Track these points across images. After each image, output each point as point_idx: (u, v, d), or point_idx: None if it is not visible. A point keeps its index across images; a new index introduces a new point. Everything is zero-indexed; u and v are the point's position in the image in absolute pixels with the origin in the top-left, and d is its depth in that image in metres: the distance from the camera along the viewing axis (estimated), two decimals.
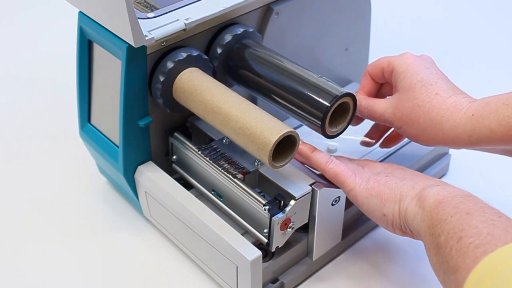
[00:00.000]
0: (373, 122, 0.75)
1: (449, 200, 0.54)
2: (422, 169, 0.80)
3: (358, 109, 0.69)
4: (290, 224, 0.64)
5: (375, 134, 0.76)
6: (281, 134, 0.58)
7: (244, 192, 0.64)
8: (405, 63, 0.67)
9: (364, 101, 0.69)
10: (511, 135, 0.59)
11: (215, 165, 0.67)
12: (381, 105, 0.68)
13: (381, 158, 0.77)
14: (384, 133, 0.75)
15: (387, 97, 0.69)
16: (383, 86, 0.72)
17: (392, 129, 0.74)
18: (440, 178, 0.82)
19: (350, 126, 0.66)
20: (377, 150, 0.78)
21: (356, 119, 0.73)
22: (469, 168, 0.84)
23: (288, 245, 0.67)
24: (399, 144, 0.79)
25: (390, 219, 0.60)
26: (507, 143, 0.60)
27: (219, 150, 0.68)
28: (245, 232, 0.67)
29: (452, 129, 0.62)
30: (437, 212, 0.54)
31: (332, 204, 0.67)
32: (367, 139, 0.76)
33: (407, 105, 0.65)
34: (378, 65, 0.70)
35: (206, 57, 0.68)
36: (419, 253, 0.71)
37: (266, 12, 0.74)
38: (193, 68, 0.67)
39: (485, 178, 0.83)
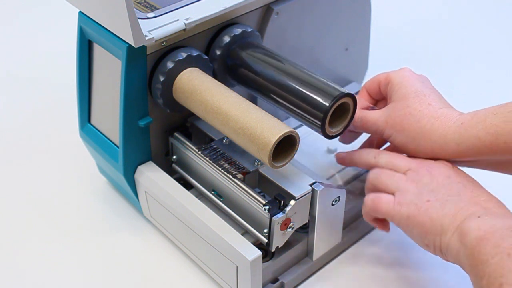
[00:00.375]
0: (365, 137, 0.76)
1: (490, 237, 0.53)
2: None
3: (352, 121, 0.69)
4: (290, 224, 0.64)
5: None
6: (281, 134, 0.58)
7: (244, 192, 0.64)
8: (401, 76, 0.68)
9: (358, 112, 0.69)
10: (498, 144, 0.60)
11: (215, 165, 0.67)
12: (375, 114, 0.68)
13: None
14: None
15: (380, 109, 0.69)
16: (378, 104, 0.73)
17: (385, 146, 0.74)
18: None
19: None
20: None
21: (350, 136, 0.74)
22: (469, 168, 0.84)
23: (288, 245, 0.67)
24: None
25: (433, 250, 0.60)
26: (495, 152, 0.60)
27: (219, 150, 0.68)
28: (245, 232, 0.67)
29: (441, 138, 0.63)
30: (479, 252, 0.53)
31: (332, 204, 0.67)
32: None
33: (399, 113, 0.66)
34: (376, 80, 0.71)
35: (206, 57, 0.68)
36: (419, 253, 0.71)
37: (266, 12, 0.74)
38: (193, 68, 0.67)
39: (485, 179, 0.82)
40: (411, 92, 0.66)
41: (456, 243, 0.57)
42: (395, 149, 0.68)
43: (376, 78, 0.71)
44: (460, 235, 0.56)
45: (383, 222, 0.67)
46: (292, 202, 0.63)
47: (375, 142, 0.75)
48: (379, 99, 0.73)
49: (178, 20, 0.66)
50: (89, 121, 0.74)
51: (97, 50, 0.69)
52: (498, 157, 0.62)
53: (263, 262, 0.64)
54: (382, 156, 0.67)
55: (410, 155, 0.67)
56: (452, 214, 0.58)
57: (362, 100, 0.72)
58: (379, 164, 0.67)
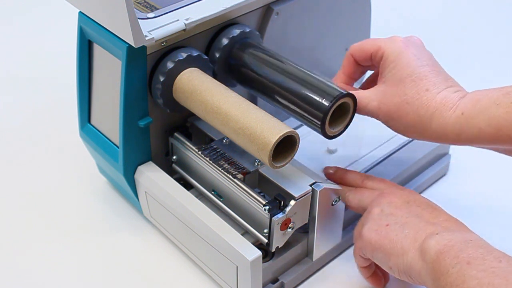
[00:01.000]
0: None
1: (449, 250, 0.53)
2: (422, 169, 0.80)
3: None
4: (290, 224, 0.64)
5: (350, 81, 0.71)
6: (281, 134, 0.58)
7: (244, 192, 0.64)
8: (395, 51, 0.64)
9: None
10: (500, 135, 0.58)
11: (215, 165, 0.67)
12: (365, 96, 0.65)
13: (382, 158, 0.77)
14: (359, 76, 0.71)
15: (371, 88, 0.66)
16: (365, 68, 0.70)
17: (369, 75, 0.72)
18: (440, 178, 0.82)
19: (350, 127, 0.66)
20: (378, 150, 0.78)
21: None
22: (469, 168, 0.84)
23: (288, 245, 0.67)
24: (399, 144, 0.79)
25: (397, 272, 0.60)
26: (496, 143, 0.59)
27: (219, 150, 0.68)
28: (245, 232, 0.67)
29: (441, 127, 0.61)
30: (439, 264, 0.53)
31: (332, 204, 0.67)
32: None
33: (395, 100, 0.63)
34: (366, 49, 0.67)
35: (206, 57, 0.68)
36: None
37: (266, 12, 0.74)
38: (193, 68, 0.67)
39: (485, 178, 0.83)
40: (407, 75, 0.63)
41: (418, 262, 0.57)
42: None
43: (366, 48, 0.67)
44: (421, 254, 0.56)
45: (376, 278, 0.67)
46: (292, 202, 0.63)
47: (356, 71, 0.70)
48: (367, 66, 0.69)
49: (178, 20, 0.66)
50: (89, 121, 0.74)
51: (97, 50, 0.69)
52: (499, 146, 0.60)
53: (263, 262, 0.64)
54: (368, 180, 0.68)
55: (408, 137, 0.66)
56: (412, 236, 0.59)
57: (343, 77, 0.69)
58: (366, 186, 0.68)
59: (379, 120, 0.66)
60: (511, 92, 0.58)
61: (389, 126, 0.66)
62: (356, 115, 0.65)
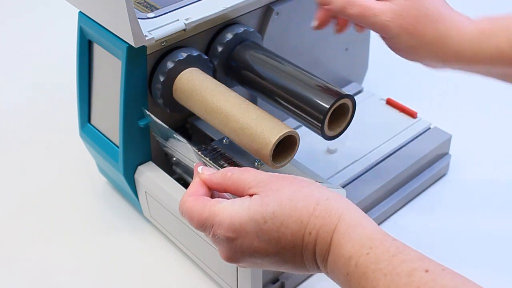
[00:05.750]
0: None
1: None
2: (422, 169, 0.80)
3: (343, 4, 0.60)
4: None
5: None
6: (281, 134, 0.58)
7: None
8: None
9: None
10: None
11: (215, 165, 0.67)
12: (380, 5, 0.60)
13: (382, 158, 0.77)
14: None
15: (384, 1, 0.61)
16: None
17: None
18: (440, 178, 0.82)
19: (350, 128, 0.66)
20: (377, 150, 0.78)
21: (340, 24, 0.66)
22: (469, 168, 0.84)
23: None
24: (399, 144, 0.79)
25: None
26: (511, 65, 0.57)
27: (219, 150, 0.68)
28: None
29: (458, 44, 0.58)
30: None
31: None
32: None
33: (414, 12, 0.59)
34: None
35: (206, 57, 0.68)
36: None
37: (266, 12, 0.74)
38: (193, 68, 0.67)
39: (485, 178, 0.83)
40: None
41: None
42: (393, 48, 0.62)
43: None
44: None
45: None
46: None
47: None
48: None
49: (178, 20, 0.66)
50: (89, 121, 0.74)
51: (97, 50, 0.69)
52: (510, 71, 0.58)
53: None
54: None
55: (409, 59, 0.62)
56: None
57: None
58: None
59: (387, 34, 0.61)
60: None
61: (395, 43, 0.61)
62: (356, 115, 0.65)
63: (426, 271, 0.43)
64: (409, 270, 0.43)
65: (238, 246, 0.51)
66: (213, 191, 0.55)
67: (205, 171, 0.55)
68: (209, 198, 0.53)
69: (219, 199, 0.53)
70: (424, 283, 0.42)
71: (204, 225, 0.52)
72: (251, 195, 0.51)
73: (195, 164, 0.58)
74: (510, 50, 0.56)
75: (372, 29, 0.61)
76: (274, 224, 0.49)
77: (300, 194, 0.50)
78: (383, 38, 0.63)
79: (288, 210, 0.49)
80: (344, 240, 0.47)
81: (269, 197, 0.50)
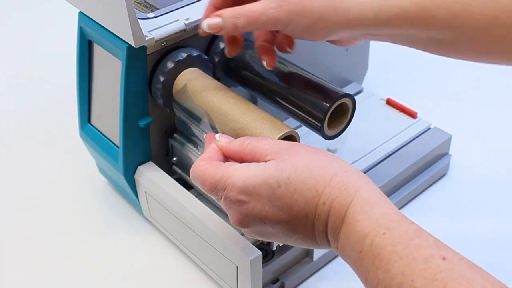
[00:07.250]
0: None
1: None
2: (422, 169, 0.80)
3: (231, 21, 0.56)
4: None
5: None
6: (281, 134, 0.58)
7: None
8: None
9: (233, 10, 0.56)
10: (424, 18, 0.53)
11: None
12: (259, 5, 0.55)
13: (382, 158, 0.77)
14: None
15: None
16: None
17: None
18: (440, 178, 0.82)
19: (350, 128, 0.66)
20: (378, 150, 0.78)
21: (233, 45, 0.63)
22: (469, 168, 0.84)
23: (288, 245, 0.67)
24: (399, 144, 0.79)
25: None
26: (418, 27, 0.54)
27: None
28: None
29: (356, 6, 0.54)
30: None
31: None
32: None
33: None
34: None
35: (206, 57, 0.68)
36: None
37: None
38: (193, 68, 0.67)
39: (485, 178, 0.83)
40: None
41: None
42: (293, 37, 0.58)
43: None
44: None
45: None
46: None
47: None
48: None
49: (178, 20, 0.66)
50: (89, 121, 0.74)
51: (97, 50, 0.69)
52: (419, 32, 0.55)
53: (263, 262, 0.64)
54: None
55: (316, 39, 0.57)
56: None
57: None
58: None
59: (281, 25, 0.56)
60: None
61: (293, 31, 0.57)
62: (356, 115, 0.65)
63: (444, 258, 0.42)
64: (426, 256, 0.43)
65: (250, 210, 0.50)
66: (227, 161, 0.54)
67: (222, 138, 0.55)
68: (222, 162, 0.53)
69: (233, 162, 0.52)
70: (440, 271, 0.42)
71: (216, 188, 0.51)
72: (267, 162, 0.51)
73: (205, 134, 0.58)
74: (413, 9, 0.53)
75: (268, 28, 0.58)
76: (288, 190, 0.48)
77: (318, 163, 0.49)
78: (283, 32, 0.59)
79: (303, 177, 0.48)
80: (360, 216, 0.46)
81: (285, 162, 0.49)
